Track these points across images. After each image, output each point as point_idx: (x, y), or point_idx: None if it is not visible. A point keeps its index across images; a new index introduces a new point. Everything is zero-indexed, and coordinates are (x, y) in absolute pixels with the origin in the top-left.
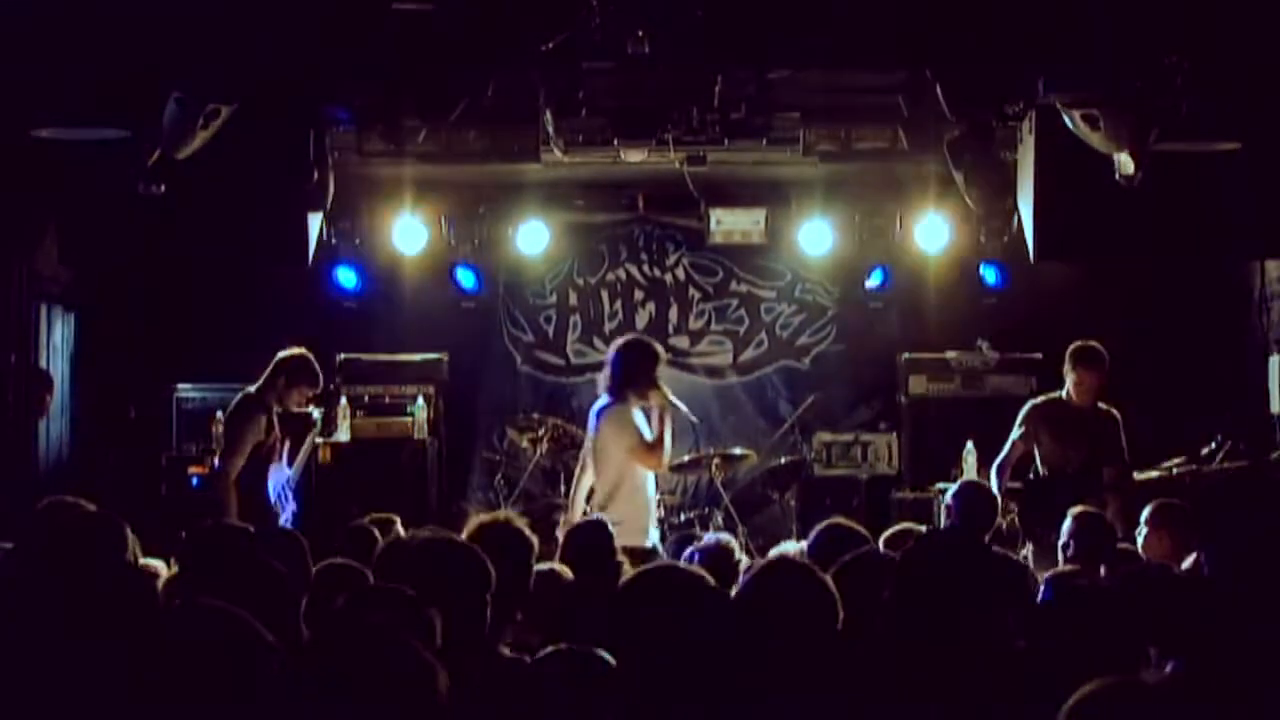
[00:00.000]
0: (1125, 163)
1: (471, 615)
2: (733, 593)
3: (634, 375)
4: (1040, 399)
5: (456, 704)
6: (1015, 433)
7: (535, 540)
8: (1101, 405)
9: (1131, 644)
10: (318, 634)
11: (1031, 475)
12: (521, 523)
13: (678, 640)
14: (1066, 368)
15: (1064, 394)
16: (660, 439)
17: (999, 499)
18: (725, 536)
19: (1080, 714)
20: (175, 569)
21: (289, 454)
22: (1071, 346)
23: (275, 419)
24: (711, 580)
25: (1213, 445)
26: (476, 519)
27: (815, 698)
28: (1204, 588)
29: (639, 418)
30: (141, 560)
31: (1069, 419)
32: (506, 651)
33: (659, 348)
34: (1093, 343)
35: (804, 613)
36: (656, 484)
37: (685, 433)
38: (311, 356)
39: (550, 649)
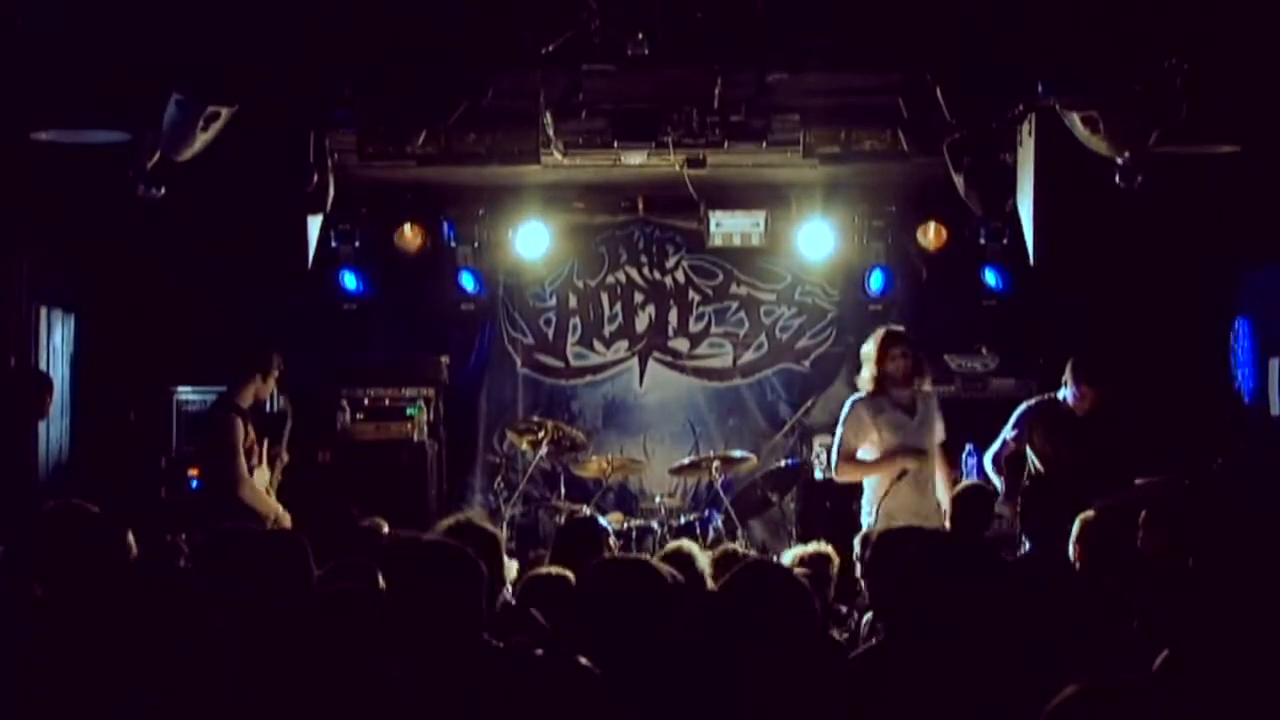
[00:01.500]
0: (1125, 166)
1: (465, 609)
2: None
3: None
4: (1035, 401)
5: (451, 695)
6: (1008, 431)
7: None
8: (1096, 414)
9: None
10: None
11: (1029, 478)
12: (483, 520)
13: (658, 639)
14: (1068, 377)
15: (1062, 398)
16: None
17: (999, 494)
18: None
19: (1062, 715)
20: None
21: (268, 457)
22: (1075, 358)
23: (250, 421)
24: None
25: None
26: (443, 523)
27: (797, 700)
28: (1199, 588)
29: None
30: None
31: (1066, 424)
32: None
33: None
34: (1098, 356)
35: (782, 614)
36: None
37: (685, 436)
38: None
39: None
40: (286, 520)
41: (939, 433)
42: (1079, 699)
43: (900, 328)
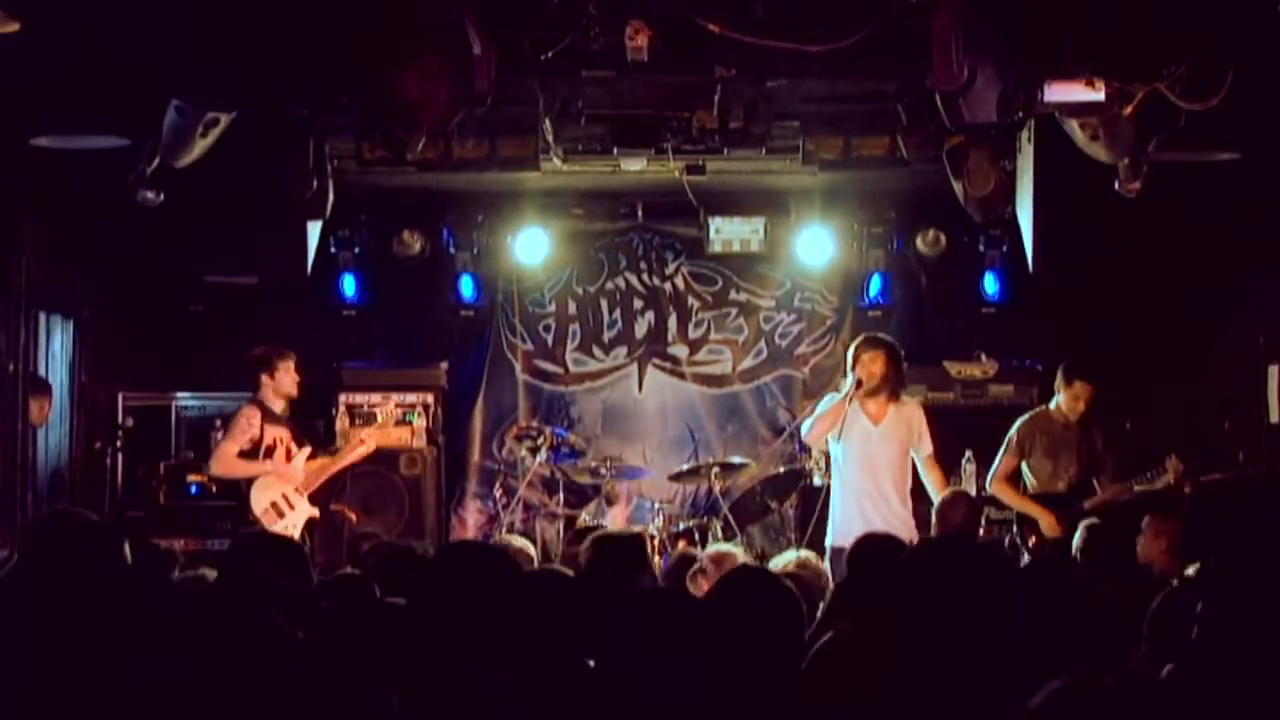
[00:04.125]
0: (1125, 173)
1: None
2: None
3: None
4: (1029, 415)
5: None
6: (1007, 448)
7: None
8: (1088, 419)
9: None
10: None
11: (1027, 492)
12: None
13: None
14: (1059, 383)
15: (1053, 408)
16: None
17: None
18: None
19: (1045, 714)
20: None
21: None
22: (1065, 362)
23: (273, 420)
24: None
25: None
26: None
27: (784, 705)
28: (1201, 595)
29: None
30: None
31: (1060, 435)
32: None
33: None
34: (1087, 357)
35: (770, 619)
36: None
37: (684, 442)
38: (272, 345)
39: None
40: (270, 474)
41: (921, 448)
42: (1062, 696)
43: (880, 335)
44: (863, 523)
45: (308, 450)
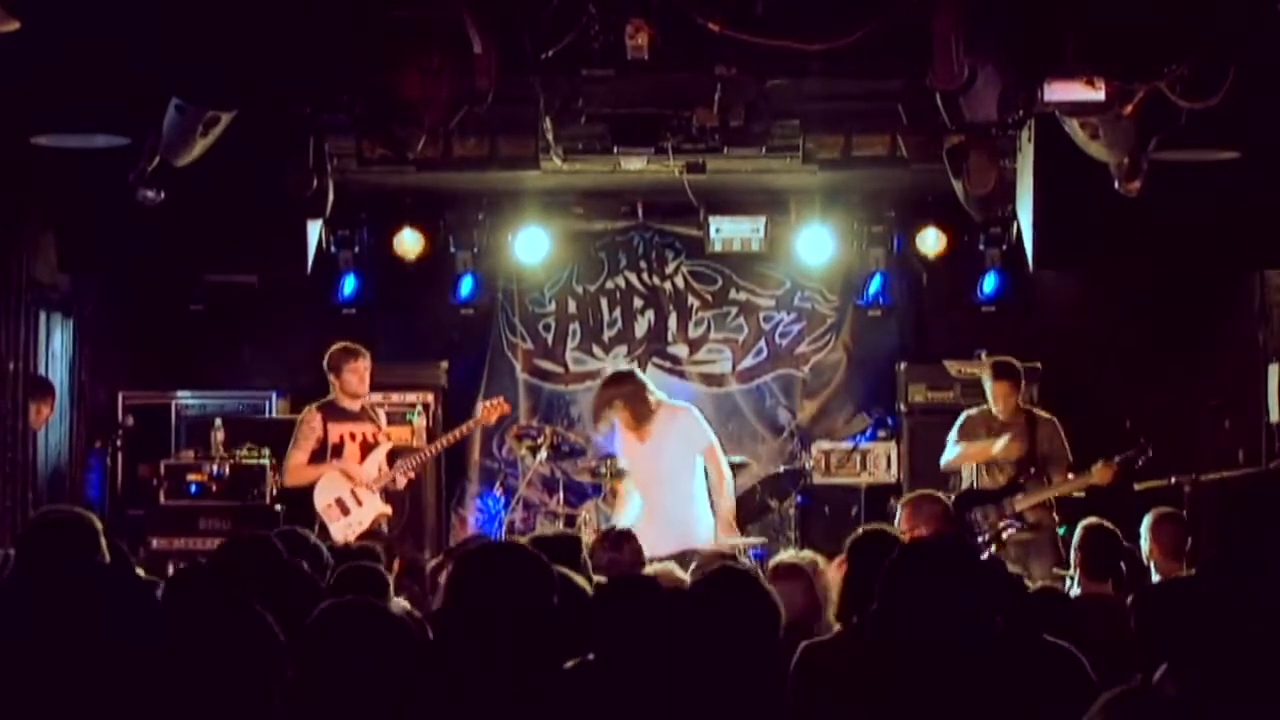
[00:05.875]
0: (1125, 172)
1: None
2: None
3: None
4: (971, 411)
5: None
6: (952, 439)
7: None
8: (1038, 413)
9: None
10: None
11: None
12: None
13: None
14: (984, 379)
15: (989, 407)
16: None
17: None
18: None
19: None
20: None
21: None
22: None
23: (342, 419)
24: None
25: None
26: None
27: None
28: (1205, 596)
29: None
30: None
31: (998, 430)
32: None
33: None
34: (1008, 358)
35: (747, 620)
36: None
37: None
38: (345, 344)
39: None
40: (335, 472)
41: (696, 447)
42: (1116, 704)
43: (603, 391)
44: (644, 538)
45: (389, 445)
